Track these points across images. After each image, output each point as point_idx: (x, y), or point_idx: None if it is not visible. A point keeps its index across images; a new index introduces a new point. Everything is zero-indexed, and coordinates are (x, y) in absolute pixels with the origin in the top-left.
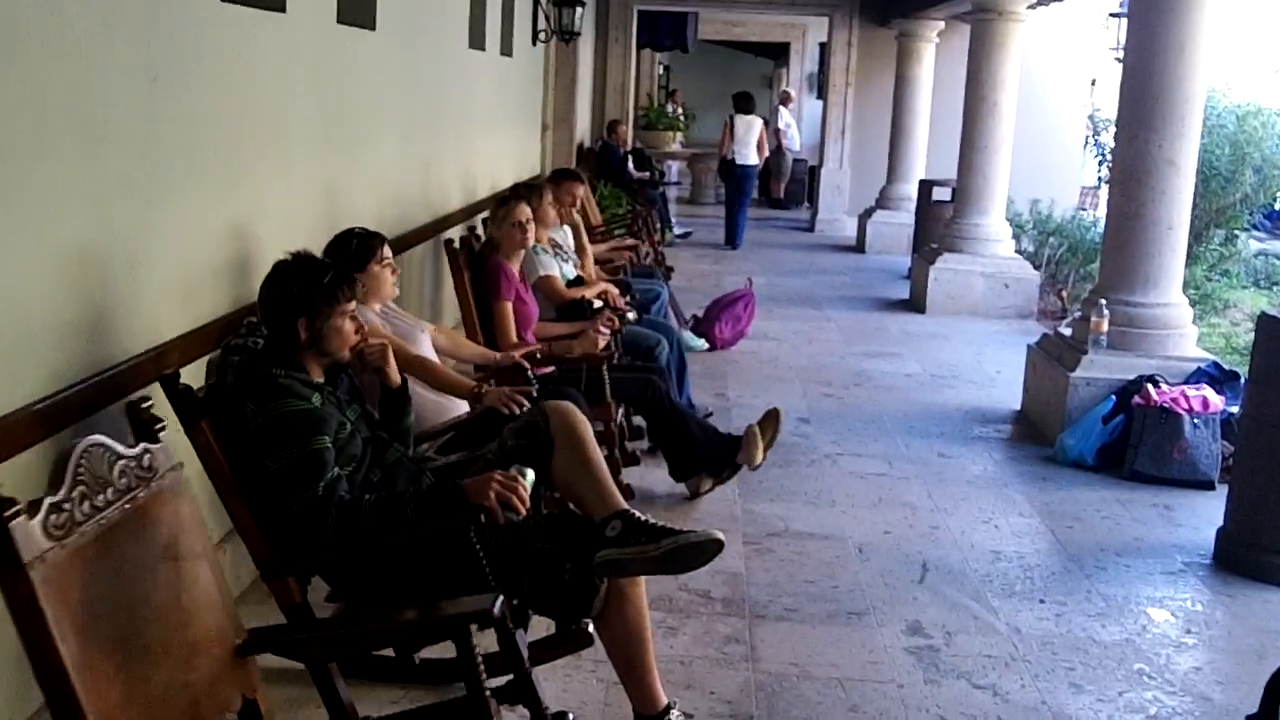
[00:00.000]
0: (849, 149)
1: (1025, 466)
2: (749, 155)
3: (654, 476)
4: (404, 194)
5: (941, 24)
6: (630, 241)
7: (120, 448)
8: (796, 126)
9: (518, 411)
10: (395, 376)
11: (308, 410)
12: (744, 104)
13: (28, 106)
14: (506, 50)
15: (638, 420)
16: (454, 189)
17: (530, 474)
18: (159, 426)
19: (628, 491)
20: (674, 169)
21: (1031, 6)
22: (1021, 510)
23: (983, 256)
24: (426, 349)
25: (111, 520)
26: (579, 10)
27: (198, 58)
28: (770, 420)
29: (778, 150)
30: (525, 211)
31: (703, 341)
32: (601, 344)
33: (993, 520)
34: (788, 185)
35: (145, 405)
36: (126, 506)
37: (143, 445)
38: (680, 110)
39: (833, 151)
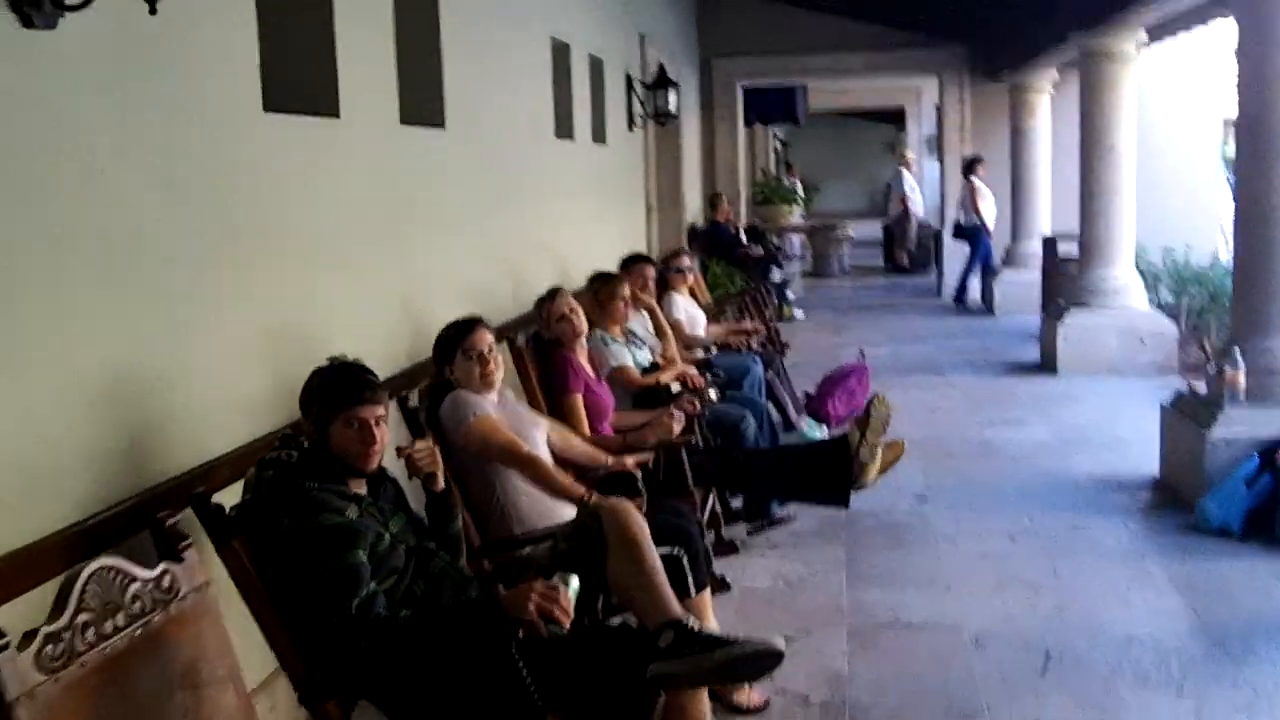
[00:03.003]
0: None
1: (1164, 537)
2: (966, 217)
3: (756, 567)
4: (487, 291)
5: (1054, 73)
6: (748, 325)
7: (136, 569)
8: (919, 190)
9: None
10: (440, 482)
11: (341, 524)
12: (964, 168)
13: (49, 226)
14: (599, 137)
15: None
16: (545, 279)
17: (574, 582)
18: (184, 544)
19: (722, 584)
20: (795, 243)
21: (1144, 44)
22: (1159, 586)
23: (1112, 309)
24: (541, 446)
25: (119, 648)
26: (672, 93)
27: (237, 169)
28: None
29: (903, 215)
30: (560, 306)
31: (822, 428)
32: (677, 429)
33: (1126, 598)
34: (913, 250)
35: (171, 522)
36: (138, 633)
37: (163, 565)
38: (798, 183)
39: (954, 212)
